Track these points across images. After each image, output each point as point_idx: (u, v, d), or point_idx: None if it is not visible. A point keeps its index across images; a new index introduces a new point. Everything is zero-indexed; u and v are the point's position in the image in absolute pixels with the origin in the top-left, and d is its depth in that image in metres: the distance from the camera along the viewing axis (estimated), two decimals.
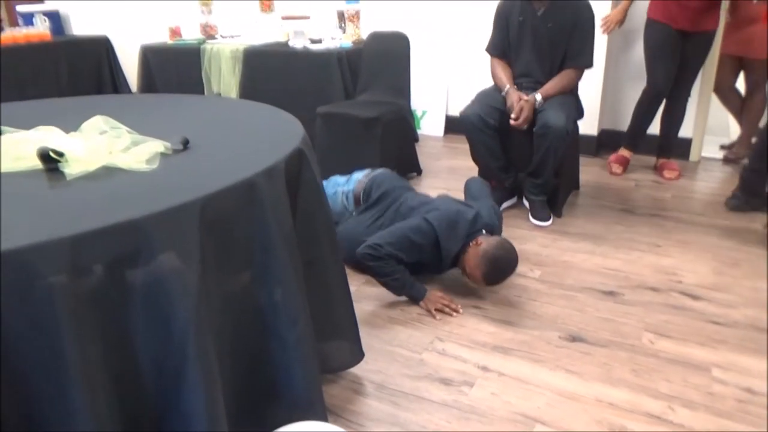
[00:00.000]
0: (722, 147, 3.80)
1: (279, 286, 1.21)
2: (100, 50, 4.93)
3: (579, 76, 2.70)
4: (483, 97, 2.74)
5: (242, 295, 1.18)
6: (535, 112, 2.58)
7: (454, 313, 1.96)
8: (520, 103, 2.56)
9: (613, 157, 3.49)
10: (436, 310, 1.96)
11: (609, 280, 2.17)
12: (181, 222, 0.98)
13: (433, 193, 3.09)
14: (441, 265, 2.08)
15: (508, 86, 2.66)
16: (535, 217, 2.71)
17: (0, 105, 1.41)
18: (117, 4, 5.24)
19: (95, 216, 0.92)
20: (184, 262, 0.99)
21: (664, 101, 3.27)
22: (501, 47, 2.75)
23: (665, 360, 1.70)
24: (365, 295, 2.08)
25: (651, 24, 3.13)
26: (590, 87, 3.34)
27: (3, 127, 1.41)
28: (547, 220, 2.68)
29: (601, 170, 3.46)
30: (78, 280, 0.87)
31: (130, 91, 5.08)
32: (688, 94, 3.24)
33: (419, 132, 4.35)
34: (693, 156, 3.67)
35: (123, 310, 0.94)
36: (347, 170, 3.15)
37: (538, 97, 2.58)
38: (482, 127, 2.64)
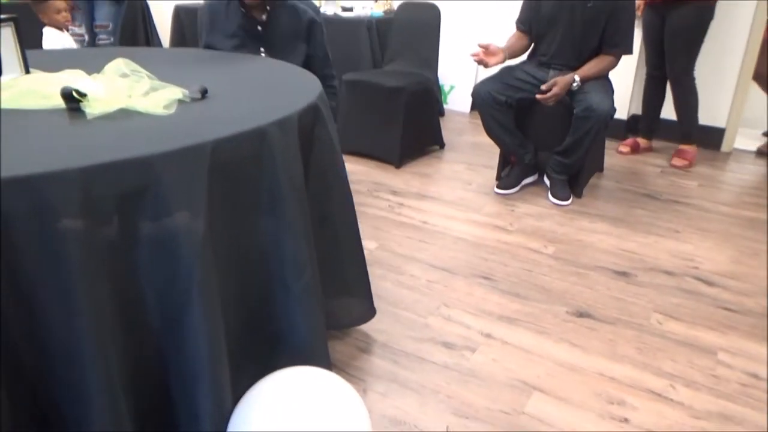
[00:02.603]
0: (766, 134, 3.69)
1: (287, 236, 1.23)
2: (136, 8, 4.99)
3: (616, 63, 2.62)
4: (501, 73, 2.70)
5: (249, 242, 1.20)
6: (571, 92, 2.54)
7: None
8: (553, 80, 2.52)
9: (626, 140, 3.48)
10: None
11: (623, 261, 2.15)
12: (190, 163, 1.00)
13: (457, 167, 3.10)
14: None
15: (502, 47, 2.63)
16: (554, 196, 2.68)
17: (25, 51, 1.46)
18: None
19: (108, 151, 0.94)
20: (192, 202, 1.01)
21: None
22: (528, 22, 2.70)
23: (672, 341, 1.69)
24: (376, 259, 2.10)
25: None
26: (622, 70, 3.27)
27: (32, 69, 1.45)
28: (566, 199, 2.66)
29: (628, 155, 3.40)
30: (88, 211, 0.90)
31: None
32: (686, 74, 3.10)
33: (446, 107, 4.32)
34: (725, 146, 3.58)
35: (130, 245, 0.97)
36: (369, 138, 3.17)
37: (576, 77, 2.52)
38: (492, 103, 2.62)
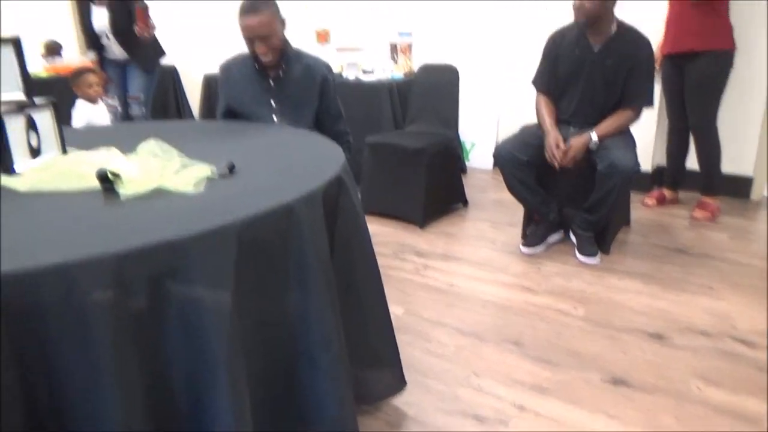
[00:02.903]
0: None
1: (313, 310, 1.23)
2: (168, 78, 5.22)
3: (637, 116, 2.63)
4: (521, 132, 2.73)
5: (276, 317, 1.20)
6: (589, 150, 2.54)
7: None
8: (571, 141, 2.53)
9: (652, 192, 3.46)
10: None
11: (657, 321, 2.09)
12: (218, 244, 1.02)
13: (481, 226, 3.09)
14: None
15: (549, 127, 2.63)
16: (581, 253, 2.64)
17: (63, 131, 1.53)
18: (185, 34, 5.52)
19: (139, 235, 0.97)
20: (220, 282, 1.02)
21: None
22: (548, 82, 2.73)
23: (714, 409, 1.62)
24: (404, 325, 2.08)
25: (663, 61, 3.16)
26: (644, 122, 3.29)
27: (68, 148, 1.51)
28: (594, 256, 2.62)
29: (654, 207, 3.36)
30: (118, 295, 0.91)
31: (192, 116, 5.33)
32: (708, 124, 3.07)
33: (468, 164, 4.36)
34: (754, 195, 3.52)
35: (159, 326, 0.98)
36: (393, 199, 3.19)
37: (594, 136, 2.52)
38: (514, 163, 2.63)
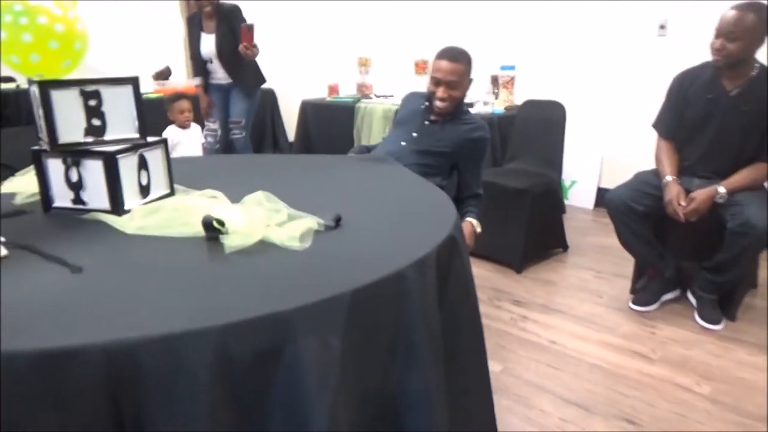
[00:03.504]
0: None
1: (420, 384, 1.11)
2: (266, 101, 5.36)
3: None
4: (636, 180, 2.49)
5: (381, 390, 1.10)
6: (718, 205, 2.27)
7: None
8: (694, 193, 2.28)
9: None
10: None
11: None
12: (327, 314, 0.94)
13: (584, 275, 2.87)
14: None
15: (670, 178, 2.37)
16: (703, 318, 2.36)
17: (171, 170, 1.51)
18: (284, 60, 5.67)
19: (245, 304, 0.90)
20: (326, 354, 0.94)
21: None
22: (673, 128, 2.47)
23: None
24: (502, 386, 1.92)
25: None
26: None
27: (176, 186, 1.50)
28: (717, 323, 2.33)
29: None
30: (220, 367, 0.85)
31: (287, 140, 5.44)
32: None
33: (566, 203, 4.12)
34: None
35: (261, 401, 0.90)
36: (489, 239, 3.02)
37: (721, 189, 2.25)
38: (626, 212, 2.41)
